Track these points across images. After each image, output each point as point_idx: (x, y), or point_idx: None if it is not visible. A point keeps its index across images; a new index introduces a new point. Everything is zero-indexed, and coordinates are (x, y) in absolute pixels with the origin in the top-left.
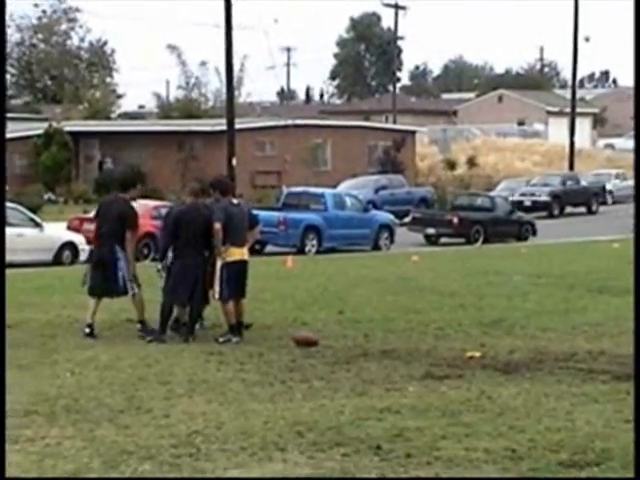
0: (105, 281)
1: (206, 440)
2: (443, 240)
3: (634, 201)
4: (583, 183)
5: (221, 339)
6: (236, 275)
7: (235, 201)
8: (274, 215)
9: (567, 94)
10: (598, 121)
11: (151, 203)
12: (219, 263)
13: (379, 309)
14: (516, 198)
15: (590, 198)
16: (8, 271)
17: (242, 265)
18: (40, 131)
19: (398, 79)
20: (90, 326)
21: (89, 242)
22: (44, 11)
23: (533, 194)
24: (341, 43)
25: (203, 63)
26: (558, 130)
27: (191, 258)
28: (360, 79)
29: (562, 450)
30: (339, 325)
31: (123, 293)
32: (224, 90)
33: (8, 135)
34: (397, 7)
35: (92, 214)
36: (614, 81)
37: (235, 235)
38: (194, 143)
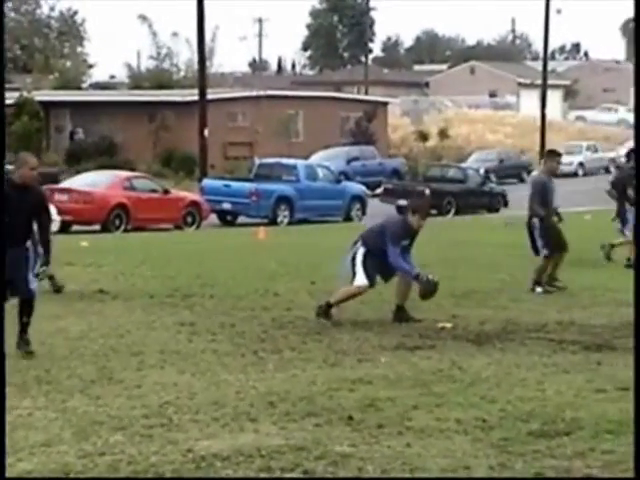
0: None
1: (178, 411)
2: None
3: (634, 201)
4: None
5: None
6: None
7: None
8: (246, 186)
9: (538, 66)
10: (569, 93)
11: (123, 174)
12: None
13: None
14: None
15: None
16: None
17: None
18: (11, 101)
19: (370, 50)
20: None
21: (60, 212)
22: None
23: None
24: (314, 14)
25: (174, 34)
26: (529, 102)
27: None
28: (332, 50)
29: (533, 420)
30: (311, 296)
31: None
32: (195, 60)
33: None
34: None
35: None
36: (585, 54)
37: None
38: (165, 114)
